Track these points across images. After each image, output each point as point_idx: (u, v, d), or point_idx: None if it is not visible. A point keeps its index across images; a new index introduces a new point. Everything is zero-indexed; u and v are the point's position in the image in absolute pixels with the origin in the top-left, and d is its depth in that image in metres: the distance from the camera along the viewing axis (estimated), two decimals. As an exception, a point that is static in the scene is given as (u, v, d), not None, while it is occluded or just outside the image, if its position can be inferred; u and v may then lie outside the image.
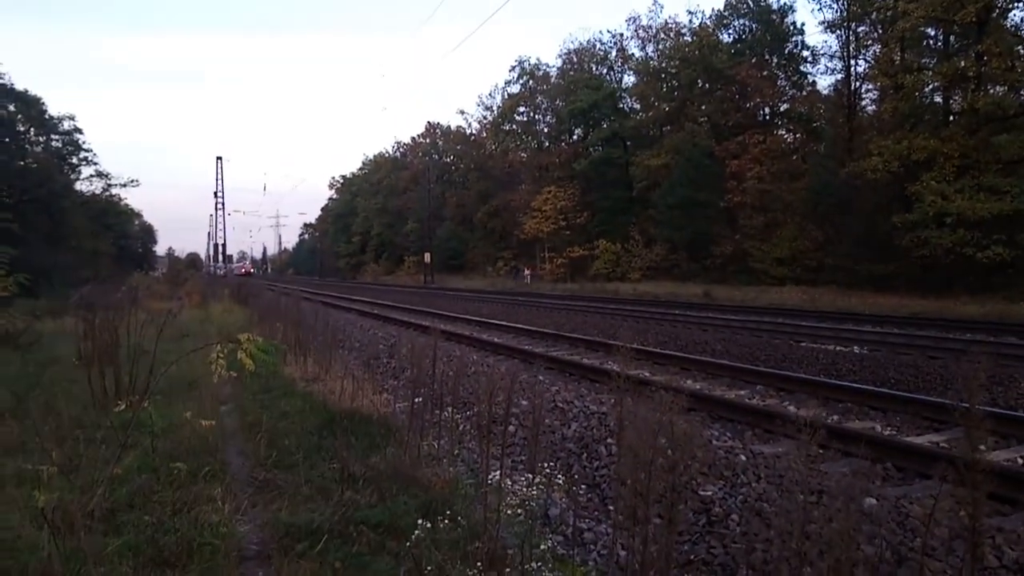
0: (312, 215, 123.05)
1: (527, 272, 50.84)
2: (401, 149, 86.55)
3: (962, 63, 25.75)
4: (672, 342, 12.90)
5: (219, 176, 64.77)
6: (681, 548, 3.95)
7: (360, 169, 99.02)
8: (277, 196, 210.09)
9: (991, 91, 26.01)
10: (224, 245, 68.55)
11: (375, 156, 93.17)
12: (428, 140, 78.61)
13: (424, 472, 4.89)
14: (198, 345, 4.45)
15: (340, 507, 4.10)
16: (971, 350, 10.72)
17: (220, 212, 65.28)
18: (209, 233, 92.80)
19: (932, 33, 29.56)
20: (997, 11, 25.82)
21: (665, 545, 2.81)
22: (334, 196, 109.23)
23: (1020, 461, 5.17)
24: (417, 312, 21.53)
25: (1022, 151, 23.88)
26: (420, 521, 3.65)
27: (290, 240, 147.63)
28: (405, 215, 73.95)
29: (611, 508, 4.52)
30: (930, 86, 28.39)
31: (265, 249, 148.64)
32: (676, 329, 15.12)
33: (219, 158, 65.32)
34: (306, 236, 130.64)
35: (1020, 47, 25.83)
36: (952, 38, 28.61)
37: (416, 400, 5.68)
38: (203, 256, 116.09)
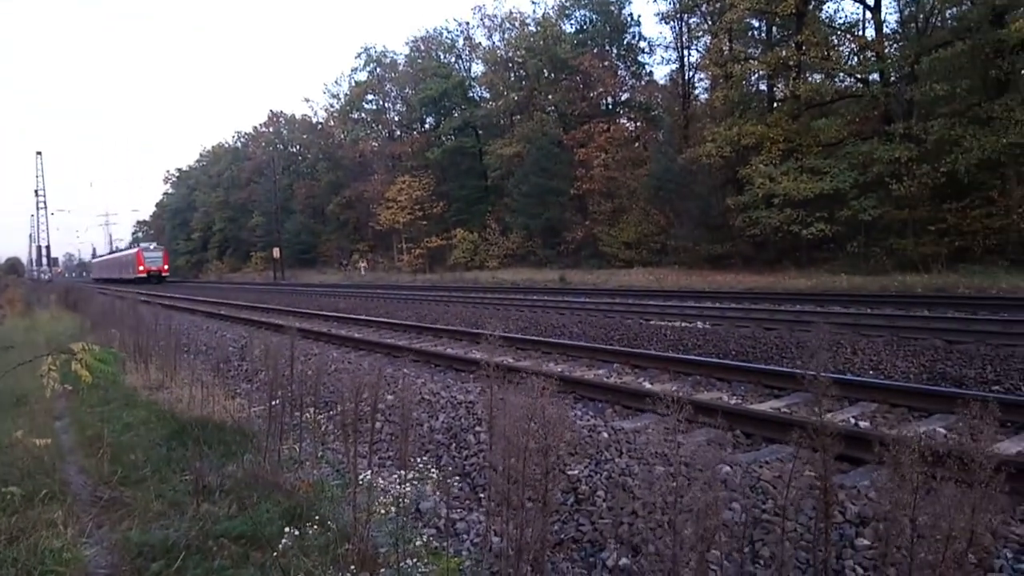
0: (146, 212, 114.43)
1: (362, 264, 51.42)
2: (242, 139, 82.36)
3: (784, 52, 27.91)
4: (532, 327, 13.16)
5: (39, 173, 58.63)
6: (551, 529, 4.03)
7: (198, 161, 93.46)
8: (106, 193, 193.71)
9: (810, 79, 28.30)
10: (48, 247, 62.45)
11: (213, 147, 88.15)
12: (271, 129, 75.24)
13: (287, 477, 4.70)
14: (25, 358, 4.02)
15: (197, 521, 3.86)
16: (801, 320, 11.73)
17: (42, 212, 59.16)
18: (31, 235, 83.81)
19: (757, 24, 31.73)
20: (813, 3, 28.16)
21: (540, 528, 2.85)
22: (170, 191, 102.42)
23: (852, 421, 5.69)
24: (269, 310, 20.61)
25: (839, 134, 26.25)
26: (287, 529, 3.50)
27: (123, 239, 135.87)
28: (250, 208, 70.50)
29: (482, 496, 4.54)
30: (756, 75, 30.55)
31: (94, 250, 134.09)
32: (536, 314, 15.44)
33: (39, 153, 59.14)
34: (140, 234, 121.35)
35: (834, 37, 28.43)
36: (774, 29, 30.84)
37: (273, 403, 5.42)
38: (25, 260, 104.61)
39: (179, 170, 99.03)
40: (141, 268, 58.80)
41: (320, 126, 67.62)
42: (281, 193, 60.31)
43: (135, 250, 65.37)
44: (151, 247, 65.46)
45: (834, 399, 6.06)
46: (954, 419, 5.44)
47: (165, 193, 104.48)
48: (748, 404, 6.45)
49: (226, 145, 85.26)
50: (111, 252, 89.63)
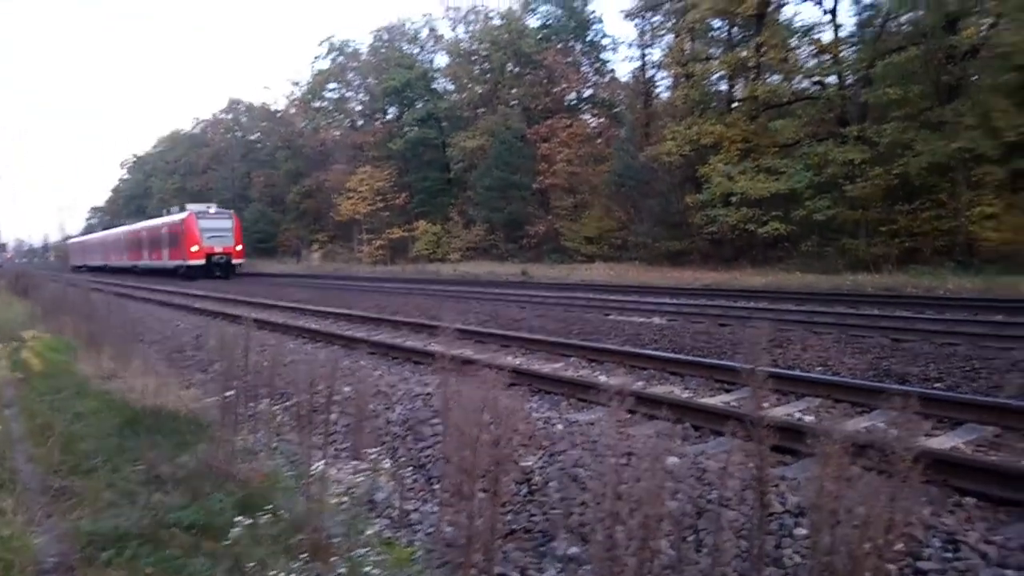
0: (101, 197, 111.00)
1: (315, 255, 52.11)
2: (200, 125, 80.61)
3: (744, 53, 28.35)
4: (493, 320, 13.21)
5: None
6: (504, 519, 4.10)
7: (155, 147, 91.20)
8: (59, 179, 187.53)
9: (768, 80, 28.82)
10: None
11: (171, 133, 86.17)
12: (230, 116, 73.75)
13: (240, 467, 4.69)
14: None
15: (149, 510, 3.86)
16: (754, 317, 12.00)
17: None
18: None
19: (718, 25, 32.12)
20: (773, 5, 28.63)
21: (490, 518, 2.91)
22: (125, 176, 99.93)
23: (797, 416, 5.87)
24: (225, 300, 20.31)
25: (795, 135, 26.82)
26: (239, 518, 3.51)
27: (75, 226, 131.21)
28: (207, 196, 69.07)
29: (436, 487, 4.59)
30: (716, 75, 30.97)
31: (46, 237, 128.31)
32: (496, 307, 15.50)
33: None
34: (95, 221, 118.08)
35: (792, 39, 29.01)
36: (735, 30, 31.25)
37: (227, 394, 5.39)
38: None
39: (135, 156, 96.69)
40: (195, 249, 34.03)
41: (280, 114, 66.50)
42: (239, 181, 59.19)
43: (183, 215, 36.72)
44: (210, 210, 37.59)
45: (779, 394, 6.30)
46: (896, 414, 5.64)
47: (120, 179, 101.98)
48: (698, 398, 6.60)
49: (184, 132, 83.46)
50: (113, 225, 61.07)
